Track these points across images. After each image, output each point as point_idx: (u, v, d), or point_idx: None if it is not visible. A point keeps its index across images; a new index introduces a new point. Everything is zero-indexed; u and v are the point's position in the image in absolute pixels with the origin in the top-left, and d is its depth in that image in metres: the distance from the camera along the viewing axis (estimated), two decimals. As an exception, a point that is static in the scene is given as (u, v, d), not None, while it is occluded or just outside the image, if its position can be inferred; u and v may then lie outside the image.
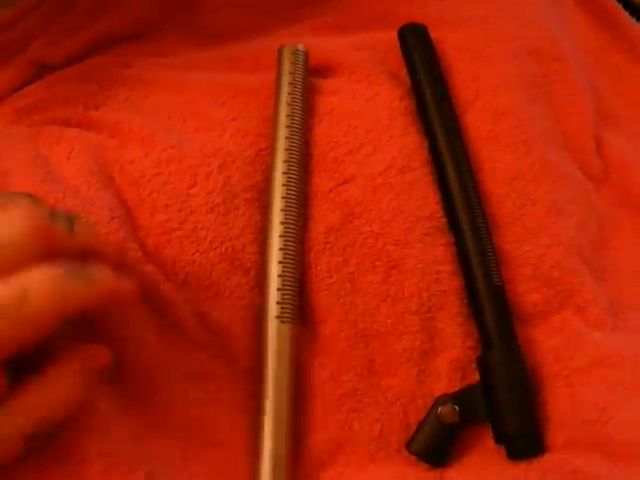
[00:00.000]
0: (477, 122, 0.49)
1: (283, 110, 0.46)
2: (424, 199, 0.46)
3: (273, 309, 0.42)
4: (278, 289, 0.42)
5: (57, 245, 0.33)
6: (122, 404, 0.39)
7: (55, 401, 0.33)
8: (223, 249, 0.43)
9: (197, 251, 0.42)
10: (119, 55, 0.54)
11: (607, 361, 0.43)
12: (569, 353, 0.44)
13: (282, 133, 0.46)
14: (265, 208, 0.45)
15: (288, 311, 0.42)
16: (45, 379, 0.33)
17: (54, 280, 0.31)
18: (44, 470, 0.34)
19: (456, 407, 0.42)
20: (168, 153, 0.44)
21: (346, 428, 0.42)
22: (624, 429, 0.41)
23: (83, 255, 0.34)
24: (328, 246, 0.45)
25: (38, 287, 0.30)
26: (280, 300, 0.42)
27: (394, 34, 0.52)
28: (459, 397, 0.43)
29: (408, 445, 0.42)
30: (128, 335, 0.40)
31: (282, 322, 0.42)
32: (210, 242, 0.43)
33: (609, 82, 0.58)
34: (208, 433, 0.40)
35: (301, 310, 0.43)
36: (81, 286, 0.32)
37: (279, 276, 0.42)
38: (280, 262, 0.42)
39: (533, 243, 0.46)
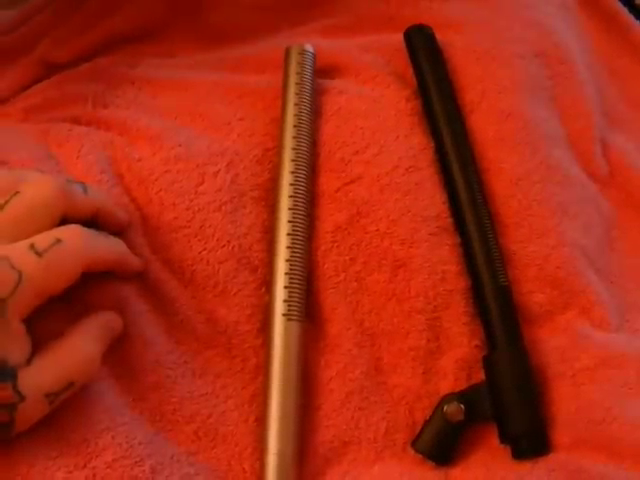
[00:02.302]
0: (483, 123, 0.50)
1: (290, 110, 0.47)
2: (430, 199, 0.47)
3: (280, 307, 0.42)
4: (285, 287, 0.42)
5: (76, 205, 0.37)
6: (130, 400, 0.39)
7: (77, 361, 0.35)
8: (230, 247, 0.43)
9: (204, 249, 0.43)
10: (126, 55, 0.54)
11: (612, 361, 0.44)
12: (574, 353, 0.44)
13: (289, 133, 0.46)
14: (272, 207, 0.45)
15: (295, 309, 0.42)
16: (67, 341, 0.35)
17: (82, 234, 0.36)
18: (54, 459, 0.35)
19: (462, 406, 0.42)
20: (176, 152, 0.45)
21: (352, 426, 0.42)
22: (629, 429, 0.41)
23: (96, 216, 0.39)
24: (335, 245, 0.45)
25: (69, 237, 0.35)
26: (287, 298, 0.42)
27: (400, 36, 0.52)
28: (465, 396, 0.43)
29: (414, 443, 0.42)
30: (136, 332, 0.40)
31: (289, 320, 0.42)
32: (217, 240, 0.43)
33: (615, 85, 0.58)
34: (215, 429, 0.41)
35: (308, 308, 0.44)
36: (103, 243, 0.38)
37: (286, 274, 0.42)
38: (287, 260, 0.43)
39: (539, 244, 0.47)
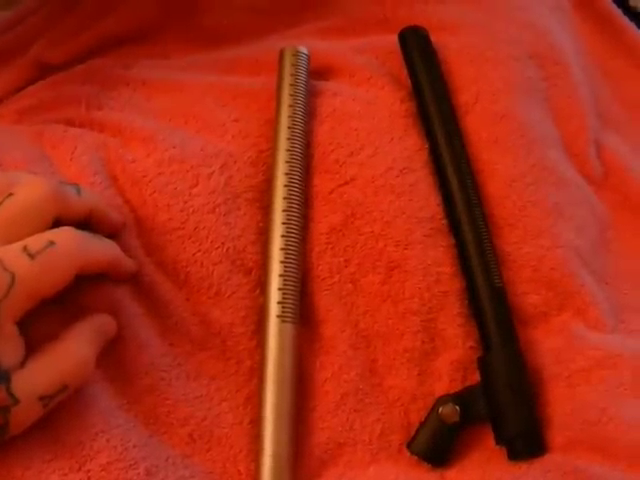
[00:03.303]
0: (477, 125, 0.50)
1: (284, 111, 0.47)
2: (425, 201, 0.47)
3: (274, 309, 0.42)
4: (279, 289, 0.42)
5: (70, 206, 0.37)
6: (125, 402, 0.39)
7: (71, 364, 0.35)
8: (224, 249, 0.43)
9: (199, 251, 0.43)
10: (121, 56, 0.54)
11: (607, 362, 0.44)
12: (569, 354, 0.44)
13: (283, 134, 0.46)
14: (266, 208, 0.45)
15: (289, 311, 0.42)
16: (60, 343, 0.35)
17: (75, 236, 0.35)
18: (48, 462, 0.35)
19: (457, 407, 0.42)
20: (170, 153, 0.45)
21: (347, 428, 0.42)
22: (624, 430, 0.41)
23: (90, 218, 0.39)
24: (329, 246, 0.45)
25: (62, 239, 0.34)
26: (281, 300, 0.42)
27: (395, 37, 0.52)
28: (460, 397, 0.43)
29: (409, 445, 0.42)
30: (130, 335, 0.40)
31: (283, 322, 0.42)
32: (211, 242, 0.43)
33: (609, 87, 0.58)
34: (209, 432, 0.40)
35: (302, 310, 0.43)
36: (96, 245, 0.37)
37: (280, 276, 0.42)
38: (281, 262, 0.42)
39: (533, 245, 0.47)
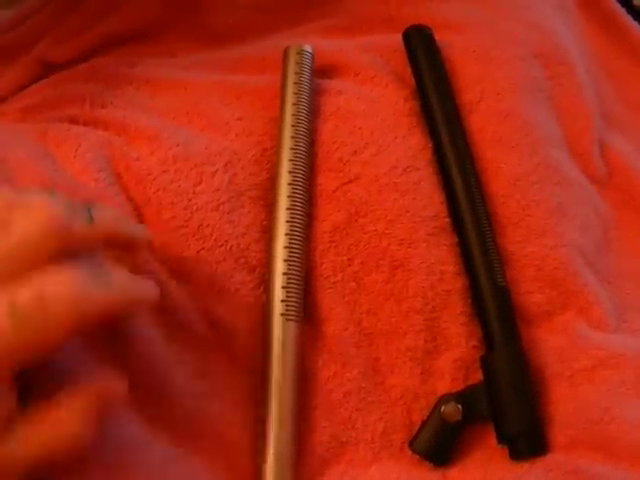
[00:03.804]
0: (482, 124, 0.50)
1: (288, 110, 0.47)
2: (428, 199, 0.47)
3: (278, 307, 0.42)
4: (283, 287, 0.42)
5: (77, 239, 0.31)
6: (127, 400, 0.39)
7: (65, 434, 0.30)
8: (228, 247, 0.43)
9: (202, 248, 0.43)
10: (125, 55, 0.54)
11: (610, 362, 0.44)
12: (572, 354, 0.44)
13: (287, 132, 0.46)
14: (270, 207, 0.45)
15: (293, 309, 0.42)
16: (57, 409, 0.30)
17: (73, 285, 0.29)
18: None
19: (459, 406, 0.42)
20: (174, 151, 0.44)
21: (350, 426, 0.42)
22: (626, 429, 0.41)
23: (107, 243, 0.34)
24: (333, 245, 0.45)
25: (56, 291, 0.29)
26: (285, 298, 0.42)
27: (399, 36, 0.52)
28: (462, 396, 0.43)
29: (411, 444, 0.42)
30: (133, 332, 0.40)
31: (287, 320, 0.42)
32: (215, 240, 0.43)
33: (613, 86, 0.58)
34: (212, 430, 0.40)
35: (306, 308, 0.44)
36: (101, 292, 0.31)
37: (284, 274, 0.42)
38: (285, 260, 0.42)
39: (537, 244, 0.47)
